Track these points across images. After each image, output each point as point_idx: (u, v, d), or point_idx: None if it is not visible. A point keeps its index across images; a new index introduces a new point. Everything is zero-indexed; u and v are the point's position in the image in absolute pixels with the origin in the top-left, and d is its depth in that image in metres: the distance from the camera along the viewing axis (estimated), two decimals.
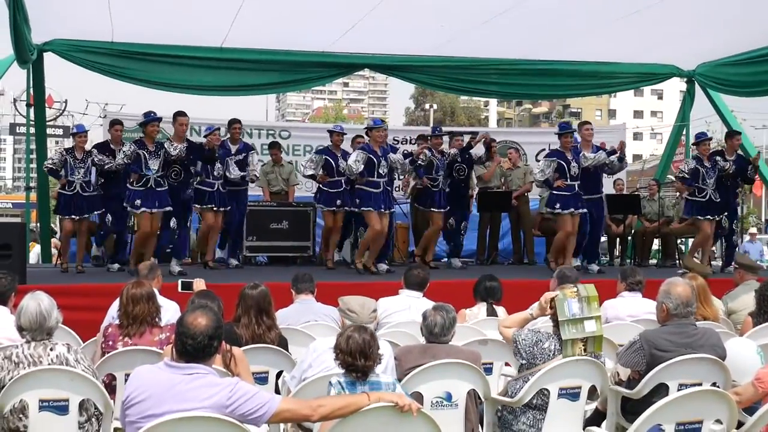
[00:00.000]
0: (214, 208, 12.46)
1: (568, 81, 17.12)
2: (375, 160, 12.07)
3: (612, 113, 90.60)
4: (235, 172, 12.79)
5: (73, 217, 12.22)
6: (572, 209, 12.37)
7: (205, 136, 12.44)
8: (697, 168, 13.16)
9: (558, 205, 12.38)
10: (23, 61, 13.25)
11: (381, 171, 12.12)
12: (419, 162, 12.75)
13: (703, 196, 13.04)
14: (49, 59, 14.56)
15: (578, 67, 16.46)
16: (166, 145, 11.66)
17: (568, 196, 12.37)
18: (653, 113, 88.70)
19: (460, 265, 13.62)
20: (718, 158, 13.24)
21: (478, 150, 13.84)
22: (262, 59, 15.27)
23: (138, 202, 11.41)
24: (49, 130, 21.13)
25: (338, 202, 12.94)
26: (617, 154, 12.90)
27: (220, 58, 14.97)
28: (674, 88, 58.95)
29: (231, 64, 15.15)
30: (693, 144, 14.29)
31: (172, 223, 11.90)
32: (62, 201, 12.30)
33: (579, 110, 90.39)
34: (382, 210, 12.16)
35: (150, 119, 11.69)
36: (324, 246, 13.48)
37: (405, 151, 13.38)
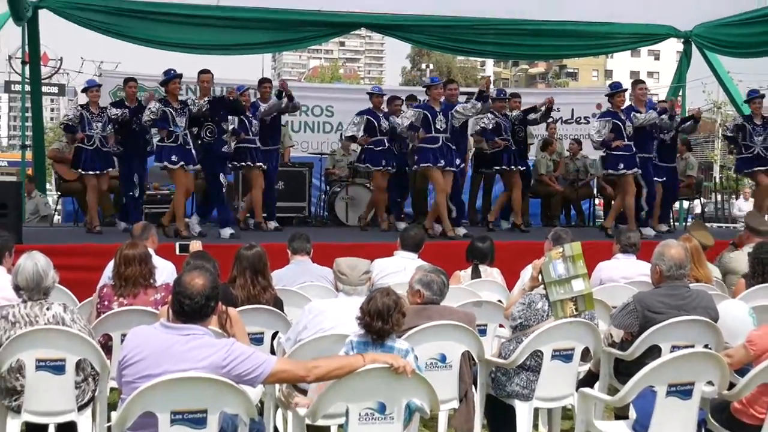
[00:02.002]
0: (259, 165, 12.27)
1: (565, 41, 17.07)
2: (430, 115, 11.83)
3: (609, 74, 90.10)
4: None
5: (96, 172, 12.09)
6: (635, 169, 12.18)
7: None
8: (744, 125, 13.14)
9: (621, 166, 12.09)
10: (18, 18, 13.19)
11: (439, 126, 11.83)
12: (486, 125, 12.71)
13: (751, 152, 13.04)
14: (45, 16, 14.50)
15: (575, 27, 16.44)
16: (189, 102, 11.54)
17: (628, 156, 12.14)
18: (650, 74, 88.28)
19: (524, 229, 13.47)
20: None
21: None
22: (258, 18, 15.22)
23: (174, 157, 11.19)
24: (44, 88, 21.07)
25: (383, 161, 12.73)
26: (668, 113, 12.78)
27: (216, 16, 14.93)
28: (671, 49, 58.63)
29: (227, 22, 15.10)
30: (745, 101, 14.24)
31: (222, 178, 11.79)
32: (83, 156, 12.08)
33: (576, 71, 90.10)
34: (442, 165, 11.82)
35: (171, 77, 11.52)
36: (377, 207, 13.24)
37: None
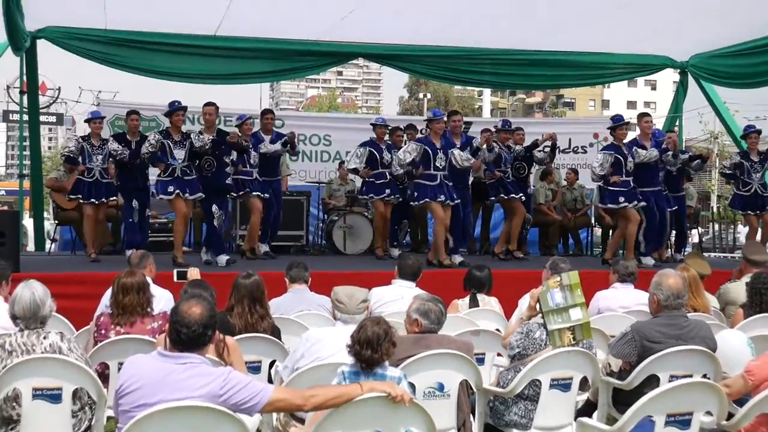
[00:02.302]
0: (256, 194, 12.32)
1: (562, 71, 17.11)
2: (431, 152, 11.82)
3: (605, 104, 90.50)
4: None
5: (93, 201, 12.10)
6: (635, 202, 12.13)
7: (237, 126, 12.38)
8: (742, 162, 13.27)
9: (622, 199, 12.10)
10: (17, 48, 13.21)
11: (438, 164, 11.84)
12: (487, 157, 12.64)
13: (748, 191, 13.18)
14: (43, 46, 14.53)
15: (572, 57, 16.46)
16: (192, 137, 11.53)
17: (626, 191, 12.13)
18: (647, 104, 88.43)
19: (521, 256, 13.49)
20: None
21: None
22: (255, 48, 15.25)
23: (171, 188, 11.26)
24: (42, 117, 21.15)
25: (387, 191, 12.83)
26: (671, 152, 12.77)
27: (213, 46, 14.95)
28: (668, 79, 58.80)
29: (224, 52, 15.12)
30: (741, 137, 14.34)
31: (214, 208, 11.78)
32: (83, 187, 12.12)
33: (572, 100, 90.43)
34: (442, 200, 11.81)
35: (174, 108, 11.55)
36: (377, 235, 13.32)
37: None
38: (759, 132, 13.61)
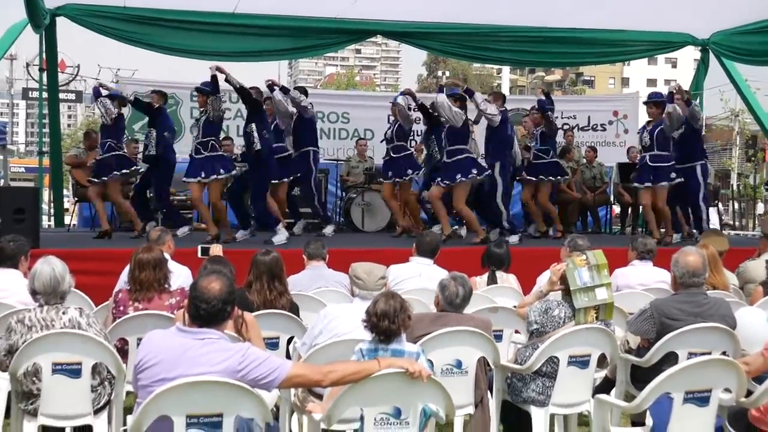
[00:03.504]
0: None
1: (582, 49, 17.00)
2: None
3: (625, 81, 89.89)
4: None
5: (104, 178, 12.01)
6: (648, 183, 11.94)
7: None
8: None
9: (632, 176, 12.23)
10: (36, 25, 13.23)
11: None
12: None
13: None
14: (62, 24, 14.52)
15: (592, 34, 16.32)
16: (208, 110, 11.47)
17: (637, 171, 12.15)
18: (667, 81, 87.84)
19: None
20: None
21: None
22: (274, 25, 15.18)
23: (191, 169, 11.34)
24: (61, 95, 21.17)
25: (390, 173, 12.73)
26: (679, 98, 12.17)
27: (232, 23, 14.89)
28: (688, 56, 58.35)
29: (243, 29, 15.06)
30: None
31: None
32: (96, 167, 12.16)
33: (592, 78, 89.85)
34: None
35: (196, 88, 11.83)
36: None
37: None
38: None
